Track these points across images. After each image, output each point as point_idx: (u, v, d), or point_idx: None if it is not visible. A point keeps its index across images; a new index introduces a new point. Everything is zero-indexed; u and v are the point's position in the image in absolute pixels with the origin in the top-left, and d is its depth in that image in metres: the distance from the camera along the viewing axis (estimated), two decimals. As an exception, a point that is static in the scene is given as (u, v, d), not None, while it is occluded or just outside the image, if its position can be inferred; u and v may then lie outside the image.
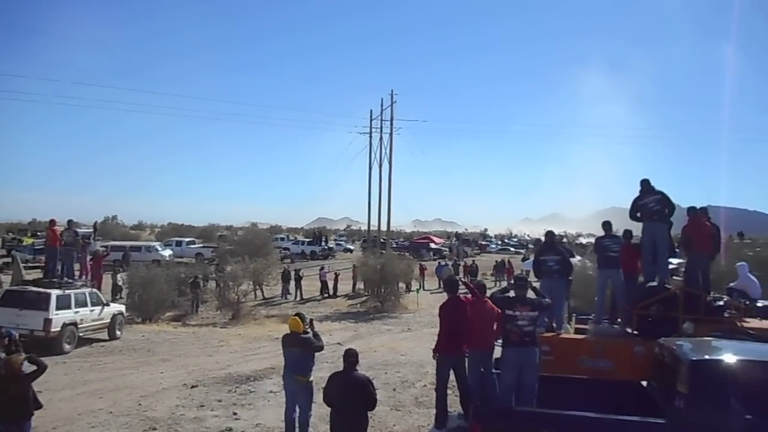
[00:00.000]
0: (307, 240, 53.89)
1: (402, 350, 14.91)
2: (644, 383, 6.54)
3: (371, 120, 49.01)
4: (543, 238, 9.50)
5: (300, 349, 7.32)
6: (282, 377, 7.61)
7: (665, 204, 8.94)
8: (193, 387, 10.76)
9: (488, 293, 7.46)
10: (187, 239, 46.28)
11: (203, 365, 12.99)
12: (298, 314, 7.79)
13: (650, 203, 8.98)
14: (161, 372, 12.24)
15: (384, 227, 48.20)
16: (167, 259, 35.30)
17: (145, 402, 9.82)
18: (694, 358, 5.40)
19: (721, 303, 8.63)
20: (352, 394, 5.82)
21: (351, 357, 6.06)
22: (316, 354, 7.51)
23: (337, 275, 29.87)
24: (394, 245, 57.43)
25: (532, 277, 9.13)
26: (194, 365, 13.00)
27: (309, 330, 7.52)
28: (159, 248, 38.97)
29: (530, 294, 7.12)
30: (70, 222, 17.07)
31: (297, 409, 7.37)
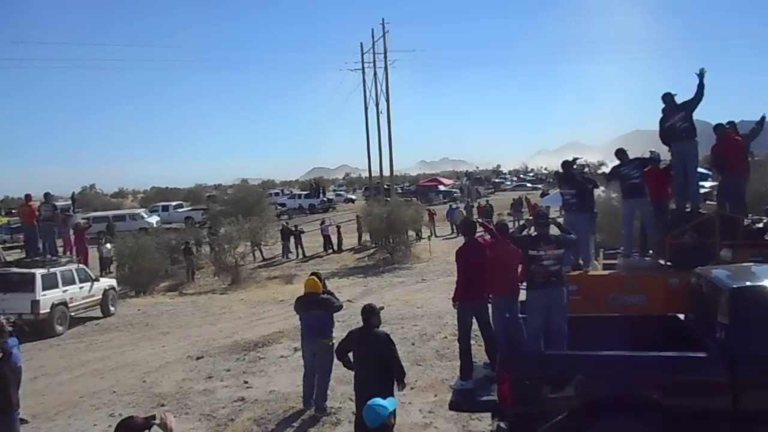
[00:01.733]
0: (304, 193, 54.05)
1: (418, 302, 15.14)
2: (681, 316, 6.64)
3: (362, 54, 48.26)
4: (560, 169, 9.45)
5: (322, 310, 7.45)
6: (301, 342, 7.77)
7: (692, 118, 8.78)
8: (198, 358, 11.02)
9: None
10: (173, 203, 46.50)
11: (207, 335, 13.27)
12: (314, 273, 7.91)
13: (677, 121, 8.84)
14: (163, 346, 12.52)
15: (387, 172, 48.19)
16: (155, 226, 35.54)
17: (150, 378, 10.07)
18: (734, 286, 5.44)
19: (761, 225, 8.64)
20: (372, 354, 5.94)
21: (371, 312, 6.14)
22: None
23: (339, 228, 30.08)
24: (400, 191, 57.57)
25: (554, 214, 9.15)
26: (197, 336, 13.29)
27: (325, 289, 7.66)
28: (145, 215, 39.25)
29: (553, 231, 7.14)
30: (47, 195, 17.09)
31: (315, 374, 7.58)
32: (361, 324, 6.29)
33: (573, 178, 9.22)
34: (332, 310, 7.56)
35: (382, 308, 6.58)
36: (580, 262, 8.76)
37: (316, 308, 7.48)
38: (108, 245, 25.01)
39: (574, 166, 9.50)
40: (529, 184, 67.98)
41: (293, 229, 28.76)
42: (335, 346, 6.72)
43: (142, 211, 40.93)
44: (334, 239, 29.26)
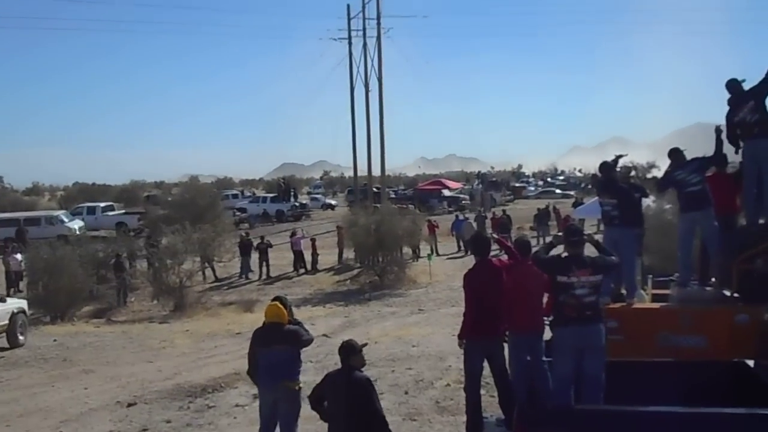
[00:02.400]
0: (270, 195, 54.04)
1: (413, 339, 15.13)
2: (750, 363, 6.68)
3: (349, 19, 48.41)
4: (598, 173, 9.50)
5: (287, 345, 7.42)
6: (258, 384, 7.74)
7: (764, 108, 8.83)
8: (130, 405, 10.95)
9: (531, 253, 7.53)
10: (102, 204, 46.44)
11: (141, 375, 13.19)
12: (278, 298, 7.85)
13: (746, 114, 8.90)
14: (85, 388, 12.44)
15: (377, 171, 48.21)
16: (77, 232, 35.45)
17: (68, 429, 10.01)
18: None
19: None
20: (352, 402, 5.95)
21: (350, 351, 6.15)
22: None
23: (314, 242, 30.09)
24: (393, 195, 57.70)
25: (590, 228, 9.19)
26: (129, 376, 13.21)
27: (290, 318, 7.63)
28: (65, 218, 39.16)
29: (589, 251, 7.18)
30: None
31: (277, 427, 7.54)
32: (339, 365, 6.29)
33: (615, 184, 9.25)
34: (300, 345, 7.52)
35: (366, 345, 6.58)
36: (623, 291, 8.78)
37: (279, 343, 7.44)
38: (17, 256, 24.89)
39: (617, 169, 9.54)
40: (558, 191, 68.48)
41: (259, 241, 28.76)
42: (302, 391, 6.69)
43: (61, 214, 40.79)
44: (308, 256, 29.27)
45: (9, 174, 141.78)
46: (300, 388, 7.40)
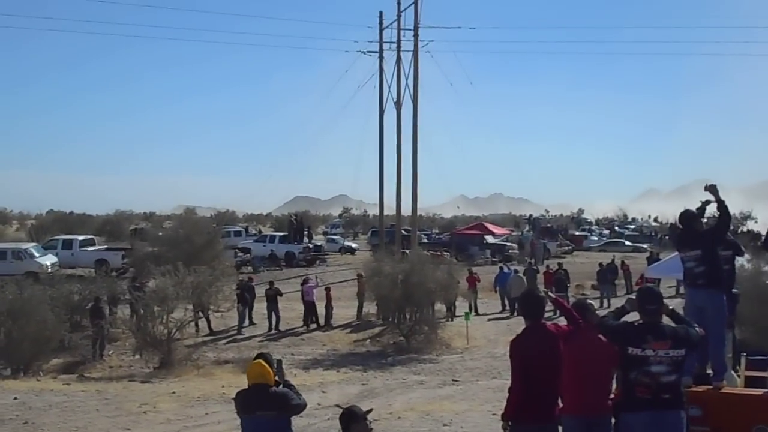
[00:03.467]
0: (279, 234, 54.33)
1: (445, 416, 15.03)
2: None
3: (381, 29, 48.30)
4: (678, 223, 9.42)
5: (274, 411, 7.44)
6: None
7: None
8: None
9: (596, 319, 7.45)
10: (81, 237, 46.92)
11: (114, 447, 13.18)
12: (261, 355, 7.96)
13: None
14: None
15: (407, 210, 48.33)
16: (49, 270, 35.84)
17: None
18: None
19: None
20: None
21: (351, 419, 6.19)
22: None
23: (329, 292, 30.18)
24: (425, 240, 57.75)
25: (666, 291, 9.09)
26: (100, 447, 13.21)
27: (280, 379, 7.64)
28: (35, 253, 39.60)
29: (667, 320, 7.08)
30: None
31: None
32: None
33: (701, 238, 9.17)
34: (290, 411, 7.53)
35: (370, 411, 6.67)
36: (709, 371, 8.65)
37: (265, 408, 7.46)
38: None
39: (704, 219, 9.47)
40: (628, 242, 67.83)
41: (268, 287, 29.02)
42: None
43: (31, 247, 41.27)
44: (321, 308, 29.33)
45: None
46: None
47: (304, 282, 30.53)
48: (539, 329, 7.41)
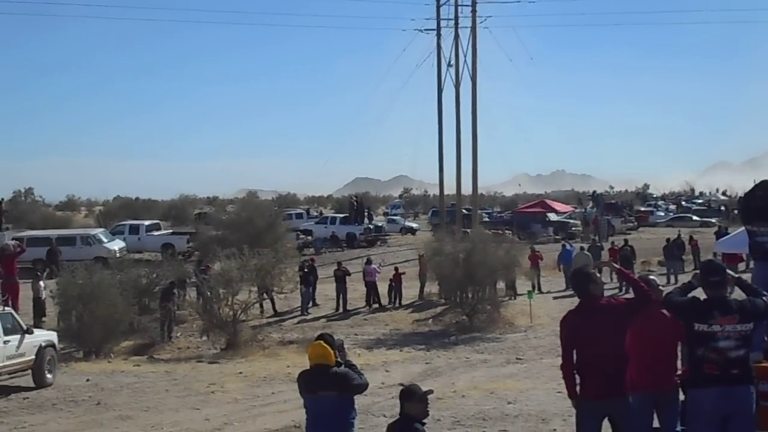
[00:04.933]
0: (340, 216, 54.50)
1: (509, 394, 15.02)
2: None
3: (439, 6, 47.80)
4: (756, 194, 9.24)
5: (336, 391, 7.51)
6: None
7: None
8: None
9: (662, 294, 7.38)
10: (147, 222, 47.68)
11: (186, 424, 13.44)
12: (321, 336, 7.95)
13: None
14: (120, 437, 12.74)
15: (467, 189, 48.16)
16: (118, 255, 36.46)
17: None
18: None
19: None
20: None
21: (406, 397, 6.21)
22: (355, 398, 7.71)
23: (398, 273, 30.16)
24: (487, 218, 57.35)
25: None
26: (172, 424, 13.47)
27: (341, 359, 7.72)
28: (103, 238, 40.23)
29: (736, 293, 7.00)
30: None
31: None
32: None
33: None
34: (352, 390, 7.57)
35: (431, 392, 6.66)
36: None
37: (326, 389, 7.51)
38: (41, 283, 25.40)
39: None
40: (696, 217, 66.37)
41: (336, 268, 29.30)
42: None
43: (99, 232, 41.97)
44: (383, 288, 29.49)
45: (40, 186, 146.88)
46: None
47: (367, 263, 30.63)
48: (589, 305, 7.32)
